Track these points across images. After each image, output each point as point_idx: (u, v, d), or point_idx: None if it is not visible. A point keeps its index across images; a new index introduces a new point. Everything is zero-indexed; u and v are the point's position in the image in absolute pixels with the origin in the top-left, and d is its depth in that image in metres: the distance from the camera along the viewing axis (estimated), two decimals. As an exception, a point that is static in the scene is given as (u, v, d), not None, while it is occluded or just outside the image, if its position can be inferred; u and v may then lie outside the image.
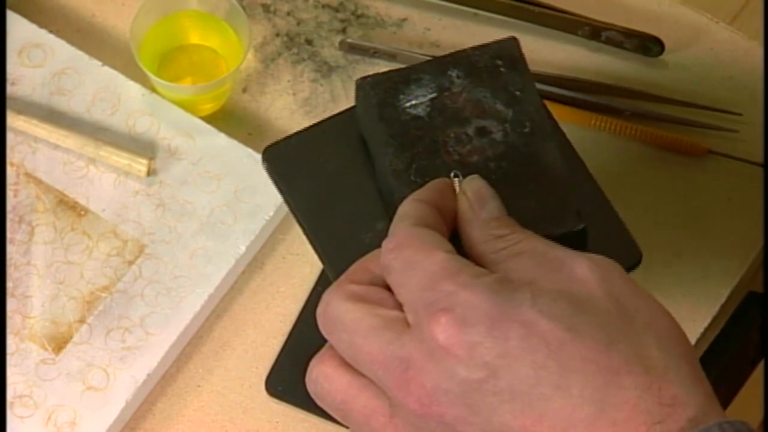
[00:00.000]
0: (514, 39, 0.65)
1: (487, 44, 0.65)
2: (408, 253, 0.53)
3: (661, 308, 0.52)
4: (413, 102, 0.64)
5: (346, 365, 0.54)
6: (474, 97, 0.63)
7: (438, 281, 0.51)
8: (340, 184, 0.66)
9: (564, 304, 0.50)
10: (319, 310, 0.55)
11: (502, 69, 0.63)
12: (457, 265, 0.52)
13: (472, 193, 0.57)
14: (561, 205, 0.61)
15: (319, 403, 0.56)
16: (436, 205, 0.57)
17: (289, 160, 0.67)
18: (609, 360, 0.49)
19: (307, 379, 0.56)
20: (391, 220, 0.59)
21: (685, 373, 0.50)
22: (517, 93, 0.63)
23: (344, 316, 0.54)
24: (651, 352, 0.49)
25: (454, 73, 0.64)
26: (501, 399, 0.49)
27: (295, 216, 0.66)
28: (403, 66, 0.65)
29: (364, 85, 0.64)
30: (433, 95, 0.64)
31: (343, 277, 0.56)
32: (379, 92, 0.64)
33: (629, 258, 0.65)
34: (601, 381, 0.48)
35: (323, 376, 0.55)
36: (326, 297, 0.55)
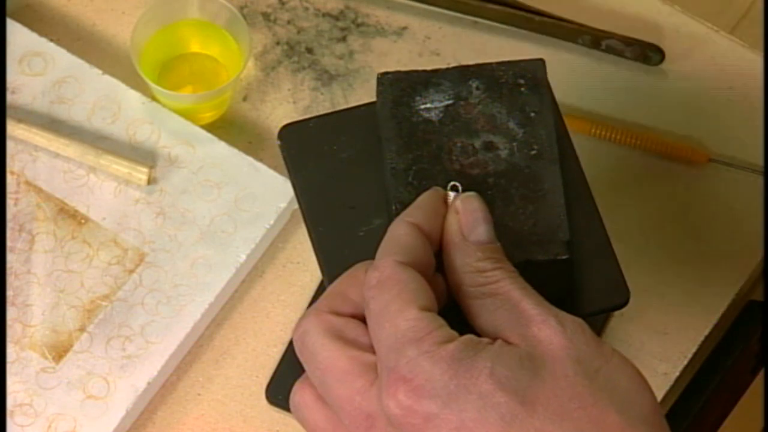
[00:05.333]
0: (541, 61, 0.65)
1: (514, 61, 0.65)
2: (385, 299, 0.53)
3: (626, 366, 0.52)
4: (428, 105, 0.64)
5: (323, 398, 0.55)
6: (488, 111, 0.63)
7: (403, 344, 0.52)
8: (348, 173, 0.65)
9: (521, 374, 0.50)
10: (296, 337, 0.56)
11: (522, 89, 0.63)
12: (426, 329, 0.52)
13: (464, 215, 0.57)
14: (552, 232, 0.61)
15: (302, 426, 0.57)
16: (427, 229, 0.57)
17: (303, 142, 0.66)
18: (561, 431, 0.49)
19: (290, 402, 0.57)
20: (389, 218, 0.59)
21: None
22: (532, 114, 0.63)
23: (320, 352, 0.54)
24: (608, 417, 0.50)
25: (474, 84, 0.64)
26: None
27: (297, 197, 0.66)
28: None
29: (383, 80, 0.65)
30: (449, 102, 0.64)
31: (322, 303, 0.56)
32: (396, 90, 0.64)
33: (616, 298, 0.63)
34: None
35: (303, 404, 0.56)
36: (304, 324, 0.55)
